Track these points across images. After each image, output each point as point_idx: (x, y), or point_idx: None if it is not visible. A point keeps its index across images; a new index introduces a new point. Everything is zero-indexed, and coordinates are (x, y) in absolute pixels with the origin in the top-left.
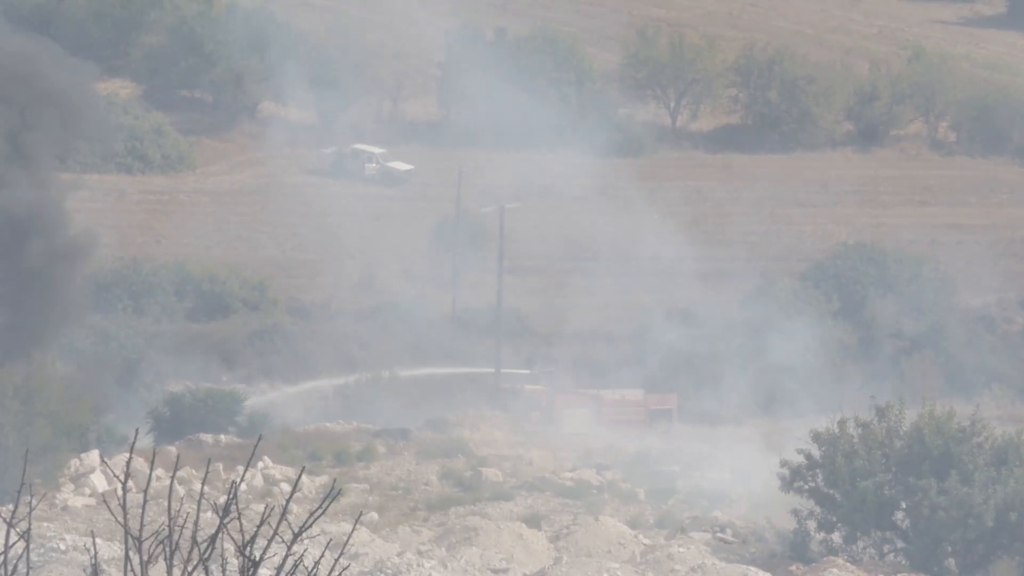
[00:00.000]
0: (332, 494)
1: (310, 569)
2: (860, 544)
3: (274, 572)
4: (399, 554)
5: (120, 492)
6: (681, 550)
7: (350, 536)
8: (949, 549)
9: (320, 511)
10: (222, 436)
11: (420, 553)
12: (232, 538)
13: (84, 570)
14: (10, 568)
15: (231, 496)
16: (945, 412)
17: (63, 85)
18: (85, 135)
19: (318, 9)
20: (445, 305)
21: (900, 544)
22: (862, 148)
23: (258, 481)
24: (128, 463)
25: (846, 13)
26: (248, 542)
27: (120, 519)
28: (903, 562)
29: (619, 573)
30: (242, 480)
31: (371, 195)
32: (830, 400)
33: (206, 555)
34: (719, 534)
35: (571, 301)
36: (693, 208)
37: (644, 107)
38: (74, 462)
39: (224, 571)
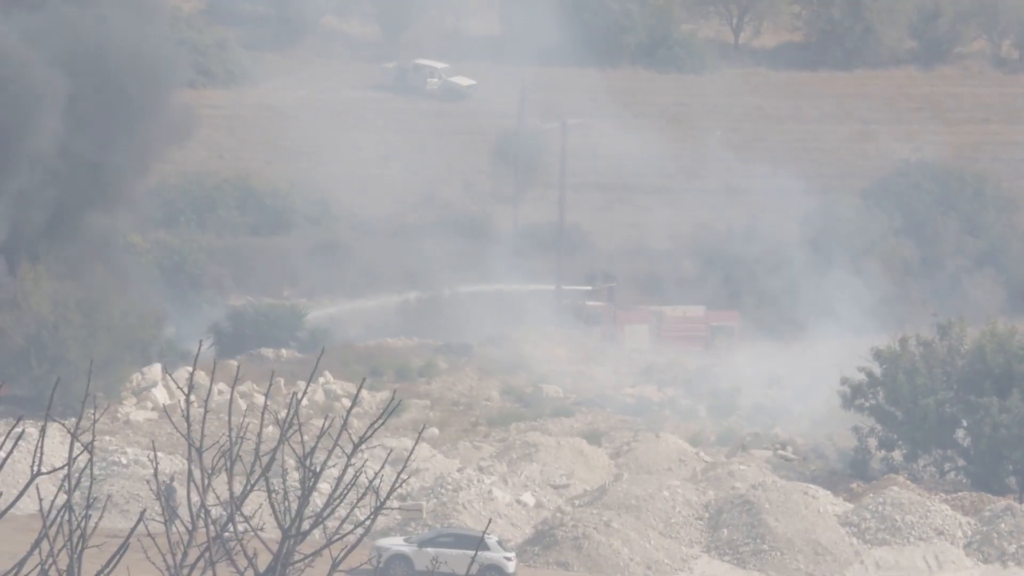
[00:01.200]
0: (392, 406)
1: (371, 481)
2: (921, 462)
3: (334, 484)
4: (460, 469)
5: (183, 405)
6: (742, 467)
7: (412, 451)
8: (1010, 467)
9: (380, 422)
10: (283, 351)
11: (481, 469)
12: (293, 450)
13: (147, 482)
14: (74, 480)
15: (292, 409)
16: (1007, 330)
17: None
18: None
19: None
20: (507, 221)
21: (961, 462)
22: (925, 65)
23: (319, 396)
24: (191, 376)
25: None
26: (308, 453)
27: (183, 431)
28: (964, 480)
29: (679, 490)
30: (304, 394)
31: (433, 110)
32: (892, 318)
33: (267, 467)
34: (780, 451)
35: (632, 218)
36: (755, 125)
37: (707, 23)
38: (136, 376)
39: (284, 483)
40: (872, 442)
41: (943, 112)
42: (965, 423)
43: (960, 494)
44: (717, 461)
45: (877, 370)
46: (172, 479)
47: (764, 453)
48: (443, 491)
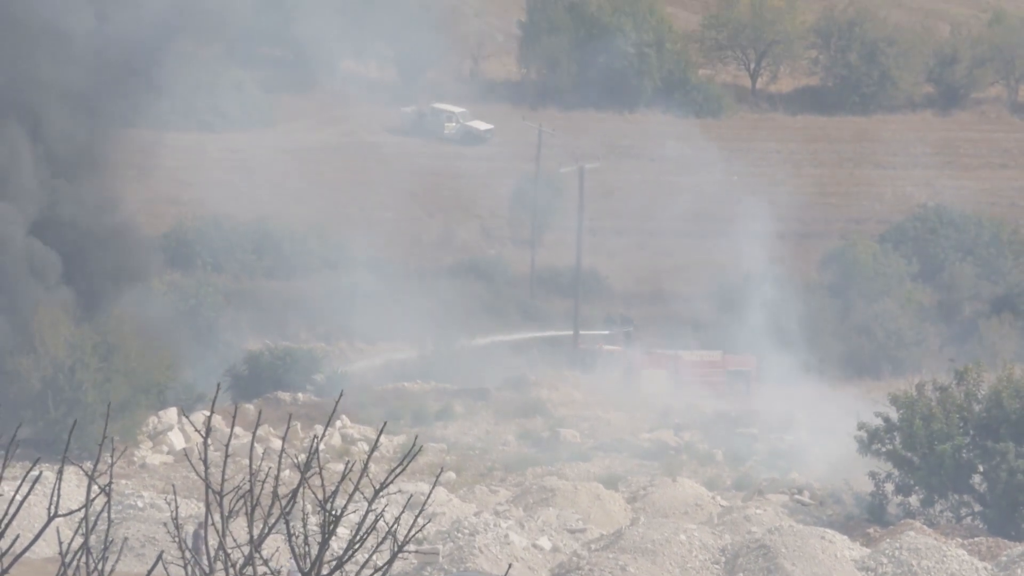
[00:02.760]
0: (413, 452)
1: (390, 526)
2: (937, 507)
3: (352, 530)
4: (476, 514)
5: (199, 448)
6: (758, 512)
7: (429, 495)
8: None
9: (401, 468)
10: (299, 395)
11: (497, 513)
12: (313, 493)
13: (164, 525)
14: (91, 523)
15: (312, 450)
16: None
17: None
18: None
19: None
20: (524, 265)
21: (978, 508)
22: (942, 111)
23: (336, 440)
24: (209, 418)
25: None
26: (329, 497)
27: (201, 474)
28: (980, 525)
29: (696, 534)
30: (323, 436)
31: (451, 154)
32: (908, 363)
33: (287, 509)
34: (796, 496)
35: (650, 262)
36: (772, 170)
37: (724, 68)
38: (152, 419)
39: (305, 526)
40: (889, 487)
41: (960, 157)
42: (982, 468)
43: (977, 539)
44: (734, 505)
45: (894, 415)
46: (200, 526)
47: (781, 498)
48: (459, 535)
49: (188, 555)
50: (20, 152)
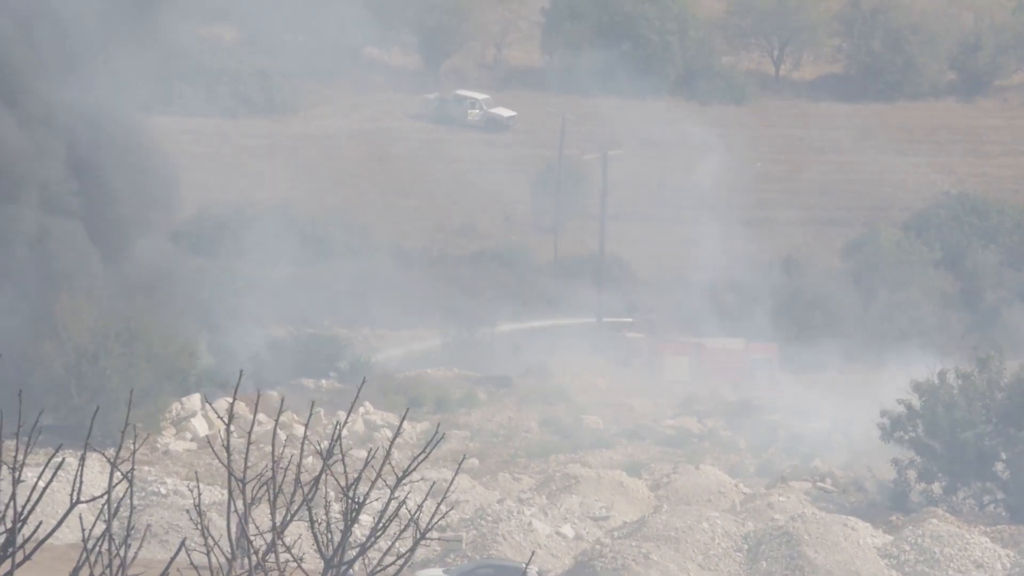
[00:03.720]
0: (436, 438)
1: (412, 513)
2: (960, 495)
3: (374, 517)
4: (499, 501)
5: (223, 435)
6: (781, 499)
7: (452, 482)
8: None
9: (424, 455)
10: (323, 381)
11: (520, 500)
12: (336, 480)
13: (187, 512)
14: (113, 509)
15: (334, 438)
16: None
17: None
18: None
19: None
20: (547, 252)
21: (1000, 495)
22: (965, 98)
23: (359, 427)
24: (232, 405)
25: None
26: (351, 484)
27: (223, 461)
28: (1003, 513)
29: (719, 522)
30: (345, 423)
31: (474, 141)
32: (931, 350)
33: (310, 496)
34: (819, 483)
35: (673, 249)
36: (795, 157)
37: (747, 55)
38: (175, 406)
39: (328, 513)
40: (911, 474)
41: (983, 144)
42: (1004, 456)
43: (999, 527)
44: (757, 493)
45: (916, 403)
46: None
47: (803, 485)
48: (483, 522)
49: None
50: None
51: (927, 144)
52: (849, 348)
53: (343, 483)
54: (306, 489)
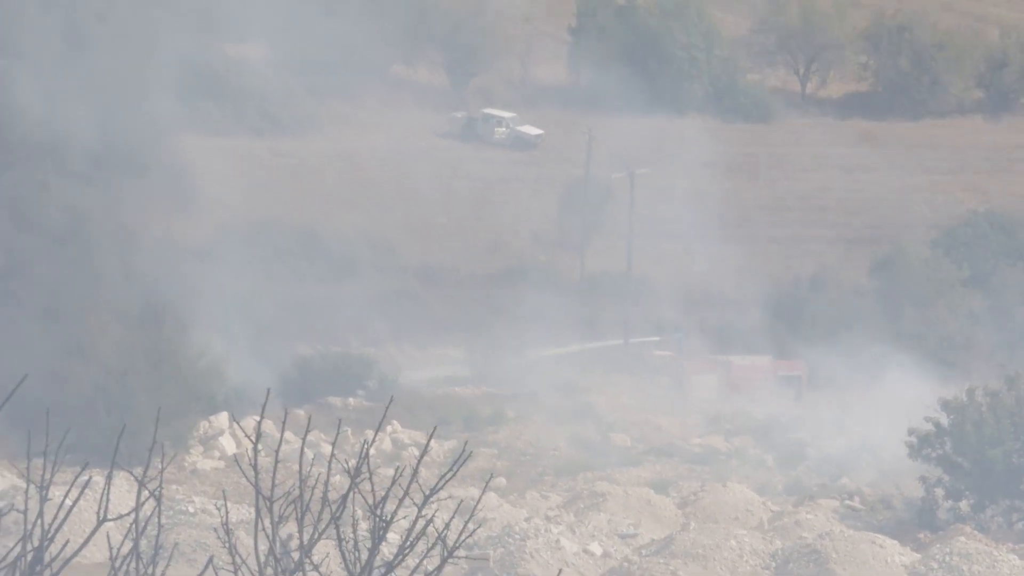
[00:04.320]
0: (463, 457)
1: (440, 532)
2: (988, 512)
3: (402, 535)
4: (527, 519)
5: (250, 454)
6: (809, 517)
7: (480, 500)
8: None
9: (451, 473)
10: (350, 399)
11: (548, 518)
12: (364, 498)
13: (214, 531)
14: (141, 527)
15: (362, 456)
16: None
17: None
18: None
19: None
20: (574, 270)
21: None
22: (992, 115)
23: (386, 445)
24: (259, 424)
25: None
26: (379, 503)
27: (251, 480)
28: None
29: (747, 539)
30: (373, 441)
31: (501, 159)
32: (959, 368)
33: (338, 515)
34: (847, 501)
35: (700, 267)
36: (821, 175)
37: (774, 73)
38: (203, 424)
39: (355, 532)
40: (939, 492)
41: (1010, 162)
42: None
43: None
44: (784, 510)
45: (944, 420)
46: (290, 537)
47: (831, 503)
48: (510, 540)
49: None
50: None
51: (954, 162)
52: (877, 366)
53: (371, 501)
54: (334, 507)
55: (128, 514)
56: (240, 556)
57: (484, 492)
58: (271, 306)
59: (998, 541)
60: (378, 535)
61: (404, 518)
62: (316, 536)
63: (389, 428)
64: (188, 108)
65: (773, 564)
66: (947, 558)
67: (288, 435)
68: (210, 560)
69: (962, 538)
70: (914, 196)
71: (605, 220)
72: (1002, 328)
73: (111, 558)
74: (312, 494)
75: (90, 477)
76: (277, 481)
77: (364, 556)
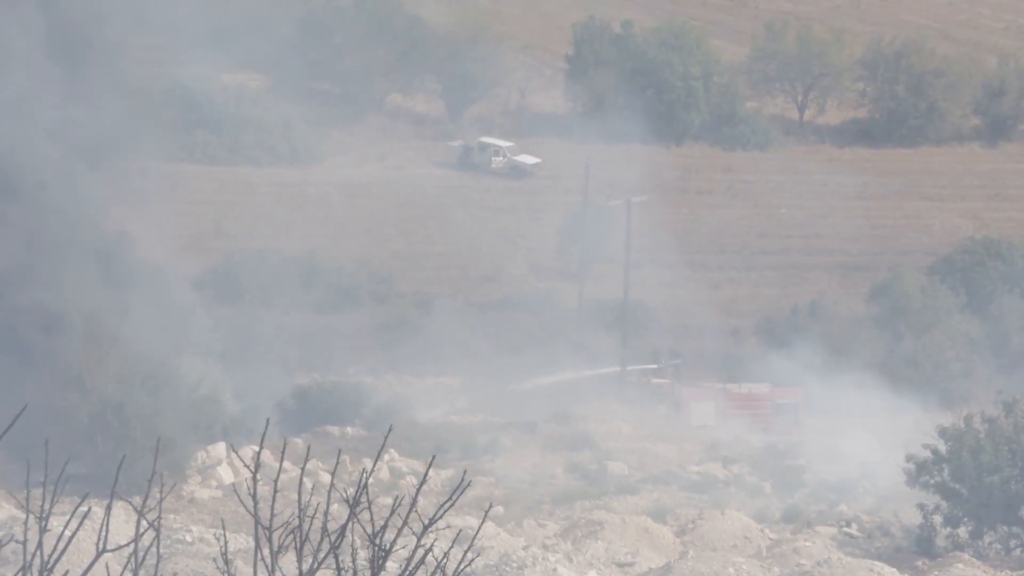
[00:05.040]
0: (462, 486)
1: (439, 561)
2: (986, 539)
3: (401, 564)
4: (524, 548)
5: (248, 483)
6: (807, 544)
7: (479, 530)
8: None
9: (450, 502)
10: (348, 428)
11: (545, 547)
12: (363, 527)
13: (213, 561)
14: (140, 558)
15: (361, 485)
16: None
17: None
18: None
19: (445, 0)
20: (572, 298)
21: None
22: (989, 142)
23: (384, 474)
24: (258, 453)
25: (973, 7)
26: (378, 532)
27: (250, 509)
28: None
29: (745, 567)
30: (372, 471)
31: (498, 188)
32: (957, 395)
33: (337, 544)
34: (845, 528)
35: (698, 294)
36: (820, 202)
37: (771, 101)
38: (201, 454)
39: (354, 562)
40: (937, 519)
41: (1007, 189)
42: None
43: None
44: (783, 538)
45: (942, 447)
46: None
47: (829, 530)
48: (508, 569)
49: None
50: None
51: (951, 189)
52: (875, 393)
53: (370, 531)
54: (333, 537)
55: (127, 544)
56: None
57: (483, 521)
58: (269, 335)
59: (996, 568)
60: (377, 564)
61: (403, 547)
62: (315, 566)
63: (387, 457)
64: (187, 137)
65: None
66: None
67: (286, 464)
68: None
69: (960, 565)
70: (912, 223)
71: (604, 248)
72: (999, 354)
73: None
74: (311, 523)
75: (89, 508)
76: (276, 511)
77: None
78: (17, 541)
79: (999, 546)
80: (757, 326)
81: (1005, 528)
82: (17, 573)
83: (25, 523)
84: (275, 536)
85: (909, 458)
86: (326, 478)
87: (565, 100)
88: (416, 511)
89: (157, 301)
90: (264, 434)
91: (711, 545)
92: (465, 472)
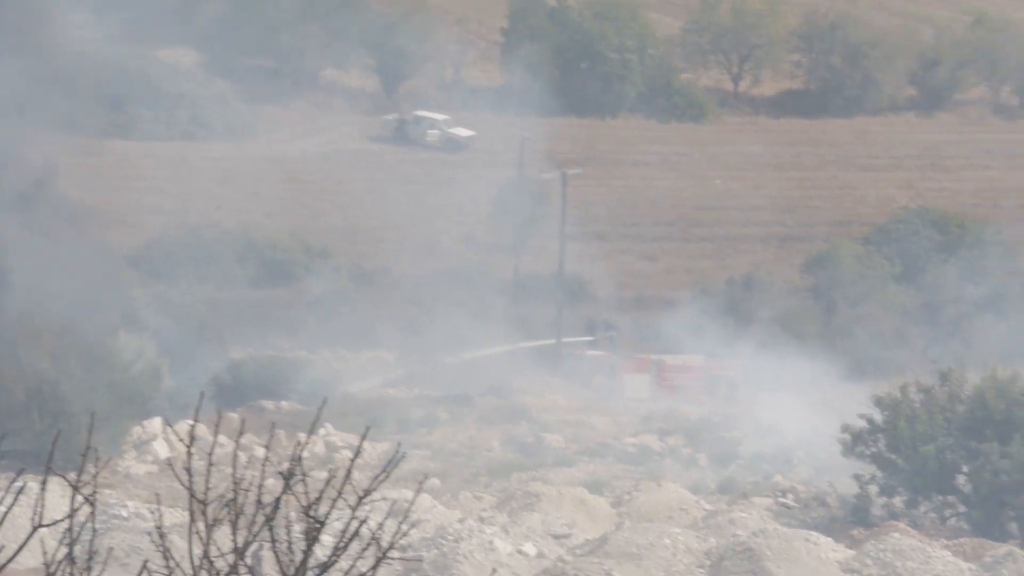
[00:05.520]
0: (396, 458)
1: (373, 533)
2: (922, 509)
3: (336, 537)
4: (461, 520)
5: (183, 457)
6: (743, 515)
7: (413, 501)
8: (1011, 513)
9: (385, 474)
10: (283, 403)
11: (482, 519)
12: (297, 500)
13: (148, 535)
14: (75, 533)
15: (296, 458)
16: (1007, 376)
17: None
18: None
19: None
20: (507, 271)
21: (962, 509)
22: (924, 113)
23: (319, 448)
24: (193, 428)
25: None
26: (313, 503)
27: (185, 483)
28: (965, 527)
29: (681, 538)
30: (306, 444)
31: (433, 162)
32: (892, 365)
33: (271, 517)
34: (781, 499)
35: (633, 267)
36: (755, 173)
37: (706, 72)
38: (136, 429)
39: (289, 534)
40: (873, 489)
41: (942, 159)
42: (966, 469)
43: (961, 540)
44: (718, 509)
45: (878, 417)
46: (261, 547)
47: (765, 501)
48: (444, 542)
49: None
50: None
51: (886, 159)
52: (810, 364)
53: (304, 503)
54: (267, 510)
55: (63, 520)
56: (174, 560)
57: (418, 493)
58: (204, 310)
59: (931, 537)
60: (312, 537)
61: (338, 520)
62: (250, 539)
63: (322, 431)
64: (120, 113)
65: (707, 562)
66: (881, 554)
67: (221, 438)
68: (144, 564)
69: (896, 534)
70: (847, 194)
71: (539, 222)
72: (934, 324)
73: (45, 564)
74: (246, 497)
75: (24, 483)
76: (211, 485)
77: (298, 558)
78: None
79: (934, 515)
80: (692, 298)
81: (940, 497)
82: None
83: None
84: (210, 510)
85: (845, 428)
86: (262, 452)
87: (500, 74)
88: (351, 483)
89: (92, 276)
90: (198, 408)
91: (647, 516)
92: (400, 445)
